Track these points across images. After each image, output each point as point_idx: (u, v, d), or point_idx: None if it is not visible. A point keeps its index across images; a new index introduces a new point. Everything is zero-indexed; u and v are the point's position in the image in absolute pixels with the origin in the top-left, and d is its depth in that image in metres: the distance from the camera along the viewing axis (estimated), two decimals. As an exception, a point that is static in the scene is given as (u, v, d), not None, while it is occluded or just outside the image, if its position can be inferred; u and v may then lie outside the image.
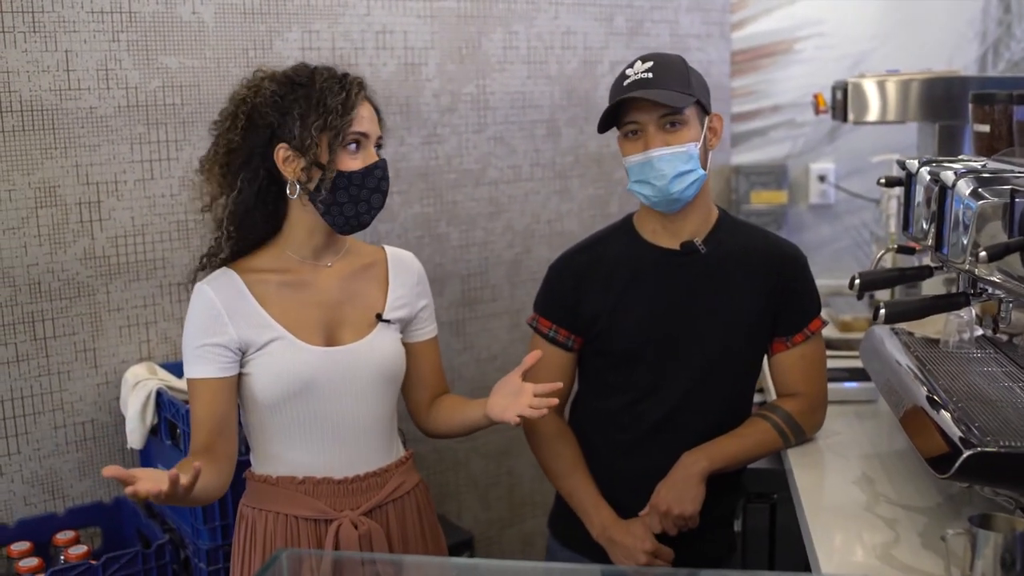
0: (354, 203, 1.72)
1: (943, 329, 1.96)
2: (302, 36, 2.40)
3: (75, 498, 2.20)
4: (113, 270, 2.20)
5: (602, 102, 2.99)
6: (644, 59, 1.82)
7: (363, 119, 1.73)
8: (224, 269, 1.76)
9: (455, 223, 2.75)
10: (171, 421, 2.09)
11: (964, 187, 1.58)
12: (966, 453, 1.41)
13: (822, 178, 3.30)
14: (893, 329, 2.09)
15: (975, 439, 1.43)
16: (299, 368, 1.73)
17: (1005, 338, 1.99)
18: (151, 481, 1.46)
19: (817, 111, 2.86)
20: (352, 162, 1.71)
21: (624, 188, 3.08)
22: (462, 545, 2.58)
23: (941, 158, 1.86)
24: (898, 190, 2.78)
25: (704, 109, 1.84)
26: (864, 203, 3.28)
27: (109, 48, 2.14)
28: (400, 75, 2.58)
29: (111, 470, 1.42)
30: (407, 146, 2.62)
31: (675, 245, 1.88)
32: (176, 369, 2.24)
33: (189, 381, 1.74)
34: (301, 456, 1.76)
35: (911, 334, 2.03)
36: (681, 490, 1.80)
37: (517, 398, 1.75)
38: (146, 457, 2.22)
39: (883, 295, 2.65)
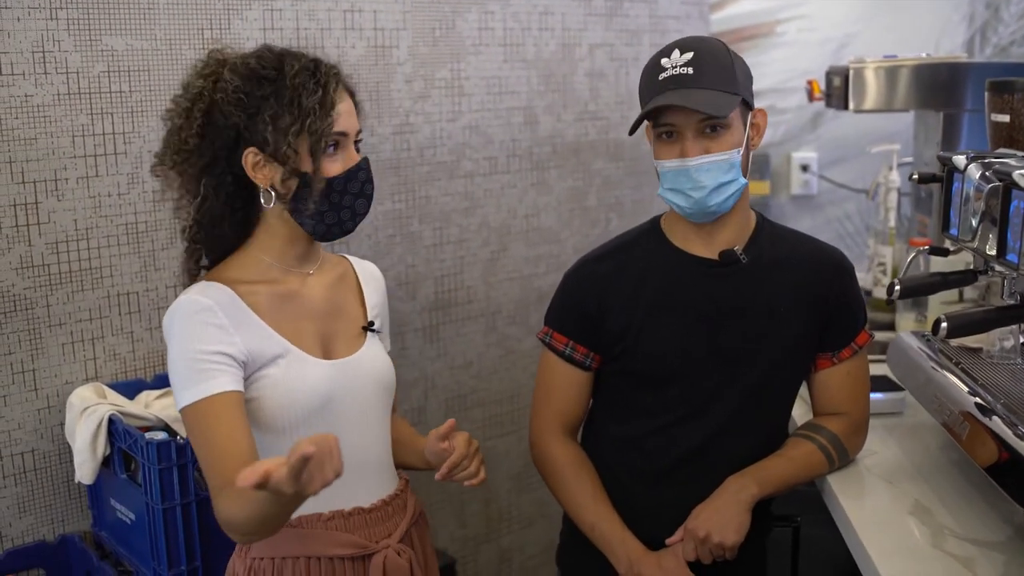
0: (336, 210, 1.52)
1: (984, 337, 1.81)
2: (263, 15, 2.15)
3: (14, 538, 1.94)
4: (54, 280, 1.94)
5: (580, 87, 2.83)
6: (683, 48, 1.60)
7: (342, 116, 1.51)
8: (205, 282, 1.52)
9: (428, 220, 2.53)
10: (126, 452, 1.84)
11: (1041, 188, 1.42)
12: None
13: (805, 167, 3.15)
14: (924, 335, 1.94)
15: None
16: (315, 383, 1.52)
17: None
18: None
19: (811, 98, 2.70)
20: (332, 166, 1.50)
21: (603, 179, 2.93)
22: (444, 570, 2.37)
23: (986, 153, 1.70)
24: (897, 180, 2.66)
25: (748, 105, 1.63)
26: (847, 193, 3.14)
27: (46, 27, 1.87)
28: (369, 58, 2.35)
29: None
30: (377, 136, 2.39)
31: (711, 254, 1.68)
32: (127, 389, 2.00)
33: (195, 404, 1.43)
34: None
35: (946, 341, 1.87)
36: (726, 516, 1.60)
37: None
38: (96, 492, 1.97)
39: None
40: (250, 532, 1.41)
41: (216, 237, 1.56)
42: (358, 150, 1.56)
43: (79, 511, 2.02)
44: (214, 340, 1.44)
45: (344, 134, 1.51)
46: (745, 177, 1.63)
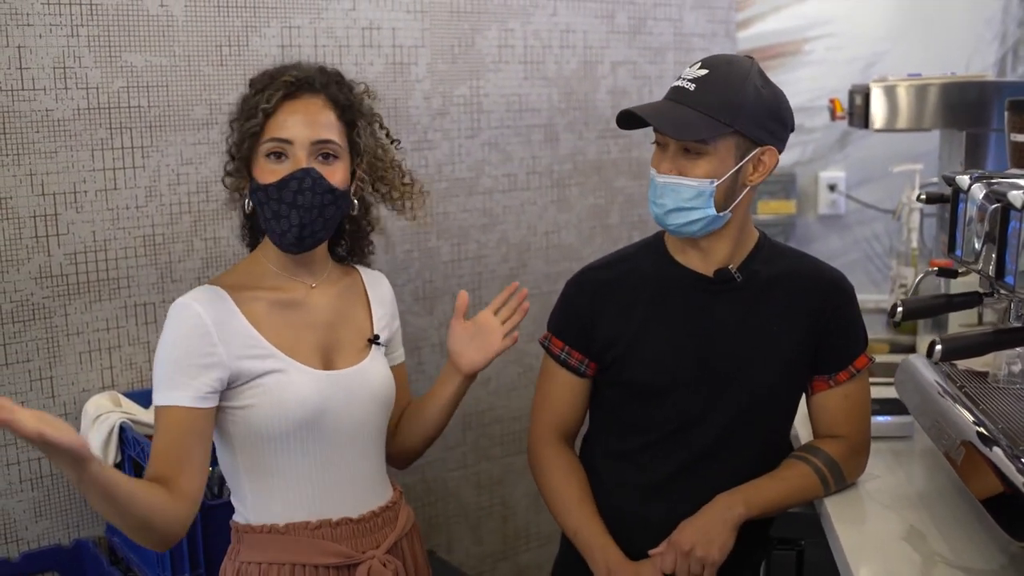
0: (276, 219, 1.54)
1: (991, 361, 1.78)
2: (281, 32, 2.19)
3: (31, 541, 1.99)
4: (72, 290, 1.98)
5: (602, 105, 2.83)
6: (705, 63, 1.60)
7: (286, 124, 1.52)
8: (207, 286, 1.56)
9: (446, 236, 2.55)
10: (135, 460, 1.88)
11: (1035, 209, 1.40)
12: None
13: (832, 187, 3.12)
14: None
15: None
16: (307, 395, 1.54)
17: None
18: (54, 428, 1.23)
19: (834, 116, 2.68)
20: (270, 174, 1.53)
21: (626, 197, 2.93)
22: (457, 586, 2.38)
23: (992, 173, 1.68)
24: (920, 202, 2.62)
25: (755, 140, 1.59)
26: (876, 214, 3.11)
27: (67, 43, 1.92)
28: (388, 75, 2.38)
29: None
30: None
31: (707, 270, 1.68)
32: (142, 398, 2.04)
33: (159, 408, 1.50)
34: (310, 497, 1.56)
35: (953, 364, 1.85)
36: (711, 532, 1.59)
37: (486, 337, 1.70)
38: (108, 498, 2.01)
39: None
40: (125, 531, 1.45)
41: (248, 232, 1.70)
42: (341, 160, 1.58)
43: (93, 516, 2.06)
44: (194, 351, 1.49)
45: (287, 141, 1.53)
46: (724, 211, 1.61)
